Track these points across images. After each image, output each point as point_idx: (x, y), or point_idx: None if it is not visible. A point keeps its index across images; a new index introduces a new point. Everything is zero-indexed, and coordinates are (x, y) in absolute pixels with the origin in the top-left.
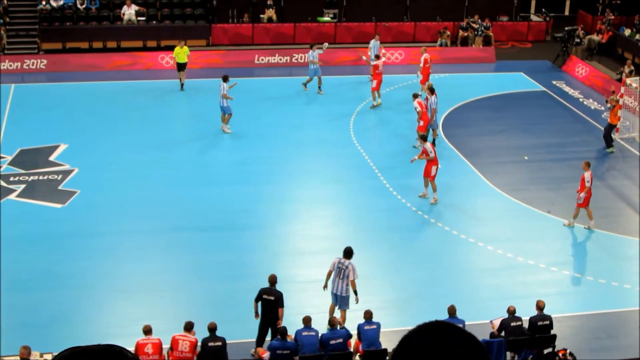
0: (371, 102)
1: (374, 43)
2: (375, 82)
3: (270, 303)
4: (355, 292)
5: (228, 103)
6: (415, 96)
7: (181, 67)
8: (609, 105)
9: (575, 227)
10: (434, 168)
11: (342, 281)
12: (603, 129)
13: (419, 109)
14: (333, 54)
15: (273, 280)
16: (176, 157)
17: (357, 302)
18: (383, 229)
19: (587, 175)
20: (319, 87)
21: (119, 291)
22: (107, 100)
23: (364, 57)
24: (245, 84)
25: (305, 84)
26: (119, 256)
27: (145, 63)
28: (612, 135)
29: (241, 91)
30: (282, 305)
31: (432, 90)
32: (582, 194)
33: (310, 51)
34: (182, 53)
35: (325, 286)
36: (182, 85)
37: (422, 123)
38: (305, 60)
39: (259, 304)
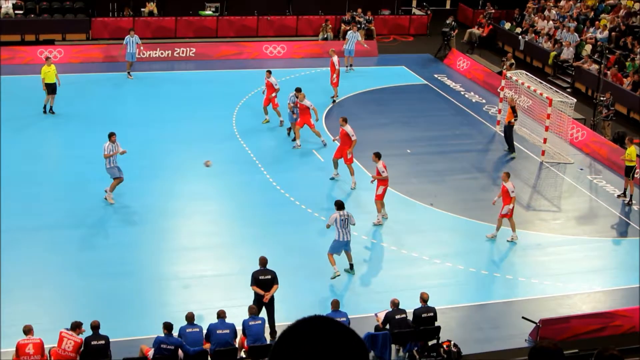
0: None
1: (351, 34)
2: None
3: (267, 282)
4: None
5: (114, 164)
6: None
7: (51, 88)
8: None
9: (456, 221)
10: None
11: (346, 229)
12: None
13: (352, 134)
14: (215, 48)
15: (264, 261)
16: (54, 153)
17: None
18: (267, 224)
19: (510, 185)
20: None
21: None
22: None
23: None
24: (124, 79)
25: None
26: None
27: (23, 57)
28: (495, 127)
29: (123, 86)
30: (277, 283)
31: (299, 90)
32: (508, 206)
33: (128, 36)
34: (50, 72)
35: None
36: (50, 108)
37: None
38: (188, 54)
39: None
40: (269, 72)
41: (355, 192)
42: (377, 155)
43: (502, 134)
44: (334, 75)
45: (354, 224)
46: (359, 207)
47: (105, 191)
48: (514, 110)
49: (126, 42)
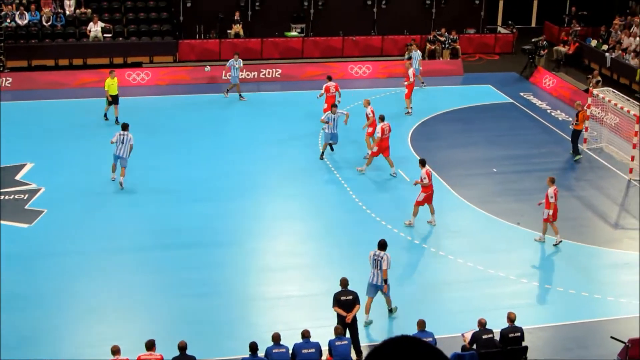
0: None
1: (414, 54)
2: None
3: (348, 303)
4: (385, 281)
5: (129, 155)
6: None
7: (115, 99)
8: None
9: (545, 240)
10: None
11: (379, 272)
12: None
13: (370, 115)
14: (301, 69)
15: (346, 282)
16: (141, 175)
17: (385, 291)
18: (353, 244)
19: (551, 191)
20: (240, 94)
21: (88, 311)
22: (73, 118)
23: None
24: (211, 100)
25: (228, 91)
26: (87, 276)
27: None
28: (580, 144)
29: (207, 107)
30: (359, 303)
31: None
32: (548, 211)
33: (232, 60)
34: (114, 85)
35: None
36: (115, 119)
37: (370, 130)
38: (274, 75)
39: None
40: (329, 77)
41: (440, 216)
42: (422, 163)
43: (586, 150)
44: (406, 88)
45: (384, 269)
46: (443, 226)
47: (121, 183)
48: (577, 116)
49: (229, 65)
